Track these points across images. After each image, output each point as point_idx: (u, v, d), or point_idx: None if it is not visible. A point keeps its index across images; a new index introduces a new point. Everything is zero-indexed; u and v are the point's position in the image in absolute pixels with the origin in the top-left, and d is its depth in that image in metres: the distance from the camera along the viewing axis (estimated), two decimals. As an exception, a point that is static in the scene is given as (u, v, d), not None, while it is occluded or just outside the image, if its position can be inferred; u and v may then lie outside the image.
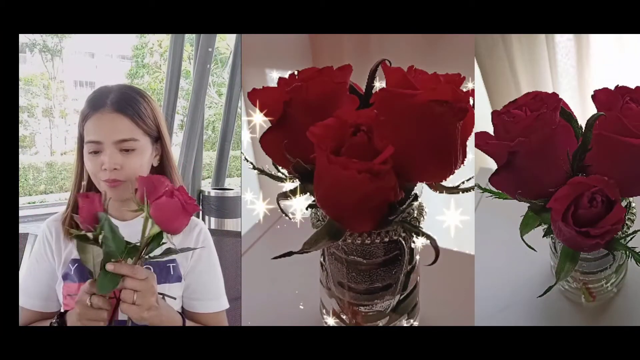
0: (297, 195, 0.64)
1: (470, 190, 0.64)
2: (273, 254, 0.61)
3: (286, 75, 0.64)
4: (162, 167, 0.89)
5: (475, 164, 0.71)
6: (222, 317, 0.91)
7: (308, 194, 0.63)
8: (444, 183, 0.62)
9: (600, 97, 0.67)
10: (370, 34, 1.15)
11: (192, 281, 0.88)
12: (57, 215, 0.90)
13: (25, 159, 10.34)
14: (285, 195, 0.64)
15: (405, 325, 0.72)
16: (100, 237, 0.72)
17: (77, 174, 0.88)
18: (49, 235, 0.88)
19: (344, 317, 0.71)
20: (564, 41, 1.49)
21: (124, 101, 0.83)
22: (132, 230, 0.83)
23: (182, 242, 0.87)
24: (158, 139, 0.88)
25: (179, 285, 0.87)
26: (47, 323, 0.82)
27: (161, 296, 0.78)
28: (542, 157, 0.64)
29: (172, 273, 0.86)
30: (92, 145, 0.82)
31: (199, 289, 0.89)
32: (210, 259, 0.91)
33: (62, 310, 0.81)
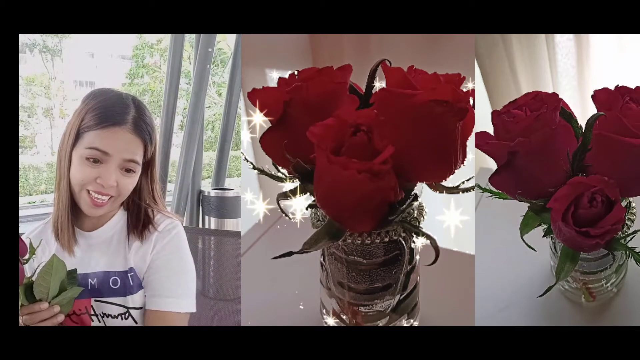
0: (297, 195, 0.64)
1: (470, 190, 0.64)
2: (273, 254, 0.61)
3: (286, 75, 0.64)
4: (136, 187, 0.86)
5: (475, 164, 0.71)
6: (181, 319, 0.85)
7: (308, 194, 0.63)
8: (444, 183, 0.62)
9: (600, 97, 0.67)
10: (370, 34, 1.15)
11: (149, 279, 0.85)
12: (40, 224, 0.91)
13: (25, 159, 10.34)
14: (285, 195, 0.64)
15: (405, 325, 0.72)
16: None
17: (61, 175, 0.84)
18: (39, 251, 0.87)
19: (344, 317, 0.71)
20: (564, 41, 1.49)
21: (143, 126, 0.83)
22: (100, 238, 0.87)
23: (139, 249, 0.85)
24: (148, 167, 0.87)
25: (142, 292, 0.85)
26: None
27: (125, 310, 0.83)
28: (542, 157, 0.64)
29: (131, 283, 0.84)
30: (96, 153, 0.80)
31: (154, 285, 0.85)
32: (172, 257, 0.86)
33: None
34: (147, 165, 0.87)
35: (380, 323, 0.70)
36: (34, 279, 0.74)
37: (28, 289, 0.73)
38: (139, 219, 0.87)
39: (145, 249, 0.85)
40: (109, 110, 0.82)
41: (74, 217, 0.85)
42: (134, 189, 0.86)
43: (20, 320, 0.74)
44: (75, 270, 0.79)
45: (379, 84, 0.63)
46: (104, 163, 0.80)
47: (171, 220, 0.88)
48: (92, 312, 0.84)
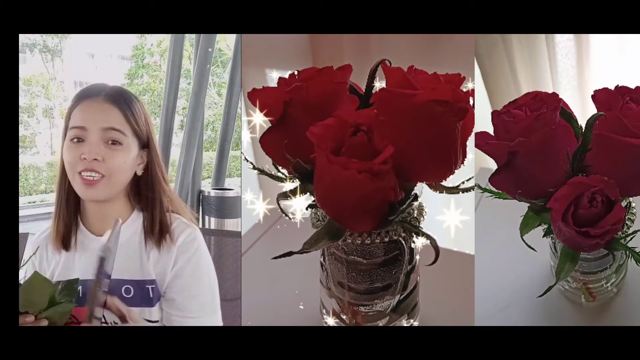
0: (297, 195, 0.64)
1: (470, 190, 0.64)
2: (273, 254, 0.61)
3: (286, 75, 0.64)
4: (146, 178, 0.84)
5: (475, 164, 0.71)
6: None
7: (308, 194, 0.63)
8: (444, 183, 0.62)
9: (600, 97, 0.67)
10: (370, 34, 1.15)
11: (171, 296, 0.82)
12: (39, 233, 0.88)
13: (25, 159, 10.33)
14: (285, 195, 0.64)
15: (405, 325, 0.72)
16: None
17: (61, 173, 0.83)
18: (34, 258, 0.86)
19: (344, 317, 0.71)
20: (564, 41, 1.49)
21: (119, 95, 0.81)
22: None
23: (159, 259, 0.82)
24: (146, 147, 0.84)
25: (159, 306, 0.82)
26: None
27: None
28: (542, 157, 0.64)
29: (151, 296, 0.81)
30: (76, 131, 0.78)
31: (179, 305, 0.82)
32: (196, 275, 0.83)
33: None
34: (147, 149, 0.84)
35: (380, 323, 0.70)
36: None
37: None
38: (154, 223, 0.83)
39: (165, 262, 0.82)
40: (82, 92, 0.83)
41: (79, 216, 0.84)
42: (144, 182, 0.83)
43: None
44: (76, 280, 0.76)
45: (379, 84, 0.63)
46: (85, 140, 0.78)
47: (191, 230, 0.85)
48: (103, 320, 0.79)
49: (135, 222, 0.84)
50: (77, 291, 0.76)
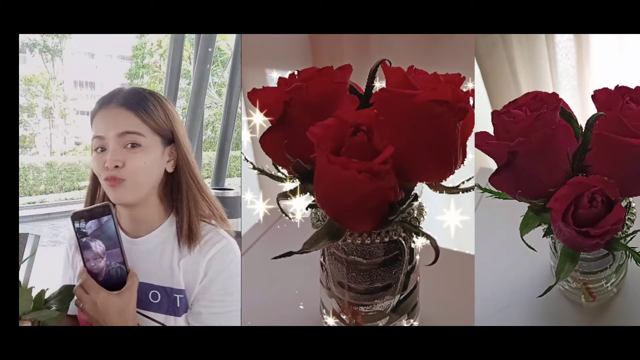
0: (297, 195, 0.64)
1: (470, 190, 0.64)
2: (273, 254, 0.61)
3: (286, 75, 0.64)
4: (177, 175, 0.82)
5: (475, 164, 0.71)
6: None
7: (308, 194, 0.63)
8: (444, 183, 0.62)
9: (600, 97, 0.67)
10: (370, 34, 1.15)
11: (197, 310, 0.79)
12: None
13: (25, 159, 10.34)
14: (285, 195, 0.64)
15: (405, 325, 0.72)
16: None
17: (91, 181, 0.84)
18: (68, 247, 0.87)
19: (344, 317, 0.71)
20: (564, 41, 1.49)
21: (131, 97, 0.80)
22: (144, 247, 0.81)
23: (189, 269, 0.79)
24: (172, 142, 0.82)
25: (185, 316, 0.80)
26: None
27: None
28: (542, 157, 0.64)
29: (178, 305, 0.79)
30: (97, 140, 0.79)
31: (203, 320, 0.79)
32: (226, 293, 0.80)
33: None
34: (175, 153, 0.82)
35: (380, 323, 0.70)
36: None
37: None
38: (183, 228, 0.80)
39: (194, 273, 0.79)
40: (99, 100, 0.82)
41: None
42: (174, 182, 0.82)
43: None
44: (67, 288, 0.76)
45: (379, 84, 0.63)
46: (107, 148, 0.78)
47: (225, 243, 0.81)
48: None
49: (170, 227, 0.82)
50: (71, 296, 0.75)
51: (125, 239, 0.79)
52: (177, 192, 0.82)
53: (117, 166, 0.76)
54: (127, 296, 0.74)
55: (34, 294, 0.72)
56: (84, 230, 0.73)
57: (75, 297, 0.75)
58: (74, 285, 0.75)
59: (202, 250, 0.79)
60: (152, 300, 0.80)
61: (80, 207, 0.78)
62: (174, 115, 0.83)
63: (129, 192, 0.78)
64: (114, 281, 0.74)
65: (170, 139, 0.82)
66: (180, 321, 0.79)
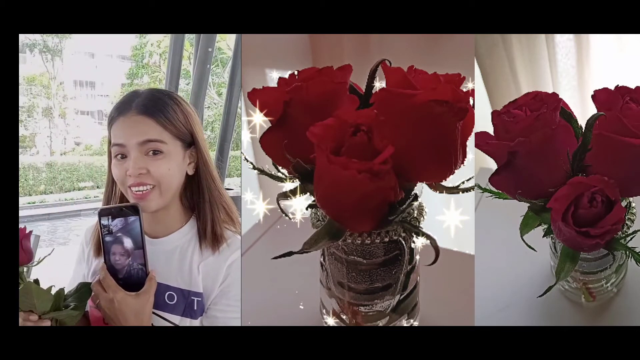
0: (297, 195, 0.64)
1: (470, 190, 0.64)
2: (273, 254, 0.61)
3: (286, 75, 0.64)
4: (197, 177, 0.82)
5: (475, 164, 0.71)
6: None
7: (308, 194, 0.63)
8: (444, 183, 0.62)
9: (600, 97, 0.67)
10: (370, 34, 1.15)
11: (212, 313, 0.80)
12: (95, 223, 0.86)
13: (25, 159, 10.34)
14: (285, 195, 0.64)
15: (405, 325, 0.72)
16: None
17: (108, 181, 0.83)
18: (84, 243, 0.87)
19: (344, 317, 0.71)
20: (564, 41, 1.49)
21: (150, 103, 0.79)
22: (163, 248, 0.81)
23: (209, 272, 0.79)
24: (192, 145, 0.82)
25: (201, 319, 0.80)
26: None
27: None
28: (542, 157, 0.64)
29: (195, 308, 0.79)
30: (117, 148, 0.78)
31: (216, 322, 0.79)
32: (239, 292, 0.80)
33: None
34: (195, 156, 0.81)
35: (380, 323, 0.70)
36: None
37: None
38: (205, 231, 0.80)
39: (214, 277, 0.79)
40: (118, 105, 0.81)
41: None
42: (195, 184, 0.81)
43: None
44: (85, 285, 0.76)
45: (379, 84, 0.63)
46: (127, 156, 0.77)
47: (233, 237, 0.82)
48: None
49: (191, 230, 0.82)
50: (89, 294, 0.76)
51: (147, 240, 0.78)
52: (198, 194, 0.82)
53: (141, 173, 0.76)
54: (145, 298, 0.74)
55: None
56: (110, 227, 0.74)
57: (92, 293, 0.75)
58: (91, 283, 0.76)
59: (223, 255, 0.80)
60: (168, 301, 0.79)
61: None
62: (193, 117, 0.83)
63: (154, 200, 0.78)
64: (133, 281, 0.75)
65: (190, 142, 0.82)
66: (196, 324, 0.79)
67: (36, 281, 0.73)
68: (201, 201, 0.82)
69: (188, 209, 0.84)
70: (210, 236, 0.80)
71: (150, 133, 0.77)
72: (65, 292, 0.75)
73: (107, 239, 0.74)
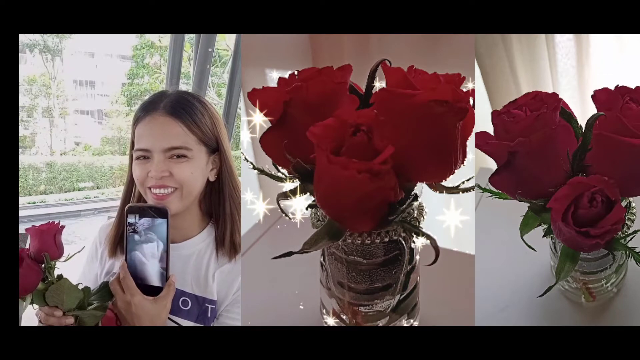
0: (297, 195, 0.64)
1: (470, 190, 0.64)
2: (273, 254, 0.61)
3: (286, 75, 0.64)
4: (220, 184, 0.81)
5: (475, 164, 0.71)
6: None
7: (308, 194, 0.63)
8: (444, 183, 0.62)
9: (600, 97, 0.67)
10: (370, 34, 1.15)
11: (223, 319, 0.80)
12: (110, 222, 0.86)
13: (25, 159, 10.33)
14: (285, 195, 0.64)
15: (405, 325, 0.72)
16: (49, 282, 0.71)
17: (128, 182, 0.83)
18: (98, 242, 0.86)
19: (344, 317, 0.71)
20: (564, 41, 1.49)
21: (179, 105, 0.78)
22: (179, 253, 0.80)
23: (224, 280, 0.80)
24: (216, 151, 0.81)
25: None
26: None
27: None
28: (542, 157, 0.64)
29: (209, 315, 0.79)
30: (141, 152, 0.77)
31: (227, 323, 0.80)
32: None
33: None
34: (218, 162, 0.80)
35: (380, 323, 0.70)
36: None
37: (40, 295, 0.70)
38: (223, 239, 0.80)
39: (229, 284, 0.80)
40: (145, 104, 0.80)
41: None
42: (215, 191, 0.81)
43: (38, 318, 0.72)
44: (107, 286, 0.75)
45: (379, 84, 0.63)
46: (150, 158, 0.77)
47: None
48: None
49: (209, 237, 0.82)
50: (111, 295, 0.75)
51: None
52: (218, 202, 0.81)
53: (163, 176, 0.76)
54: (162, 304, 0.73)
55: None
56: (135, 226, 0.73)
57: None
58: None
59: (239, 263, 0.79)
60: (182, 307, 0.79)
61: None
62: (220, 122, 0.82)
63: (174, 203, 0.77)
64: (152, 284, 0.74)
65: (214, 148, 0.81)
66: None
67: (59, 276, 0.72)
68: (221, 209, 0.81)
69: (206, 215, 0.83)
70: (229, 245, 0.80)
71: (176, 139, 0.76)
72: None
73: (132, 237, 0.73)
